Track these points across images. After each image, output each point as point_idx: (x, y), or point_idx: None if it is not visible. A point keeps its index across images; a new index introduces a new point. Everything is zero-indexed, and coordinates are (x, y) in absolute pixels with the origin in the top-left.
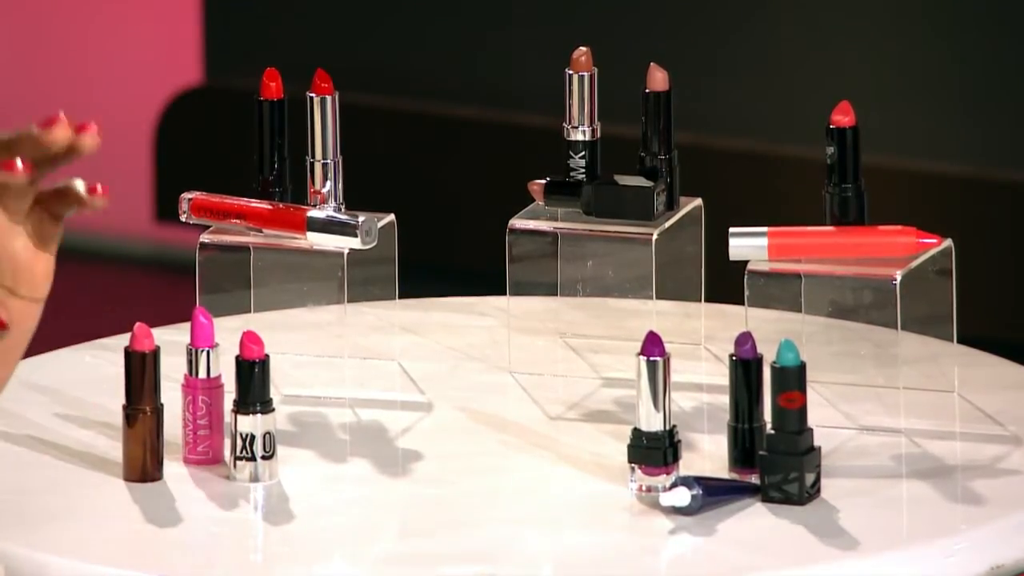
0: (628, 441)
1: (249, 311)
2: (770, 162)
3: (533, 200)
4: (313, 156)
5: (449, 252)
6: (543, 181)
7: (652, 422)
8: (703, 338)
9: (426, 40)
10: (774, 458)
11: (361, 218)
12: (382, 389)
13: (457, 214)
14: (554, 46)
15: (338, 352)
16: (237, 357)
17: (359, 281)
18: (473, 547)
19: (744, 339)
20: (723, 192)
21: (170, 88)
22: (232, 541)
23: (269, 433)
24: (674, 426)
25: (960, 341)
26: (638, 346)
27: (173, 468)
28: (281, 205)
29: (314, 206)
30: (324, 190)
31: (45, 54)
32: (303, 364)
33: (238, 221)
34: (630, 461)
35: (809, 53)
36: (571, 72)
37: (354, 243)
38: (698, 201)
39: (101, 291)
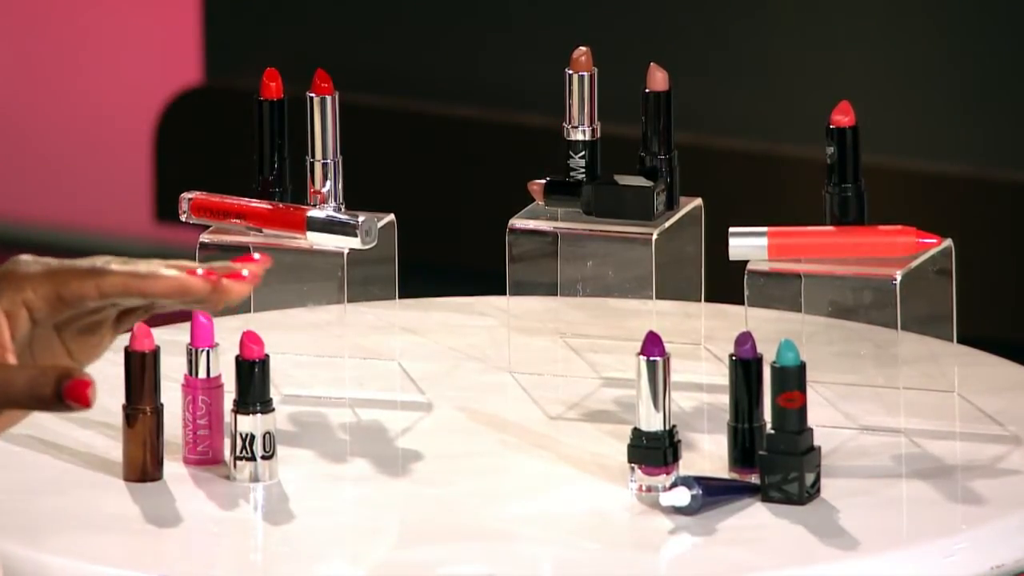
0: (628, 441)
1: (249, 311)
2: (770, 162)
3: (533, 200)
4: (313, 156)
5: (449, 252)
6: (543, 181)
7: (652, 422)
8: (703, 338)
9: (426, 40)
10: (774, 458)
11: (361, 218)
12: (382, 389)
13: (457, 214)
14: (554, 46)
15: (338, 352)
16: (237, 357)
17: (359, 281)
18: (473, 547)
19: (744, 339)
20: (723, 192)
21: (170, 88)
22: (232, 541)
23: (269, 433)
24: (674, 426)
25: (960, 341)
26: (638, 346)
27: (173, 468)
28: (281, 205)
29: (314, 206)
30: (324, 190)
31: (45, 54)
32: (303, 364)
33: (238, 221)
34: (630, 461)
35: (809, 53)
36: (571, 72)
37: (354, 243)
38: (698, 201)
39: None
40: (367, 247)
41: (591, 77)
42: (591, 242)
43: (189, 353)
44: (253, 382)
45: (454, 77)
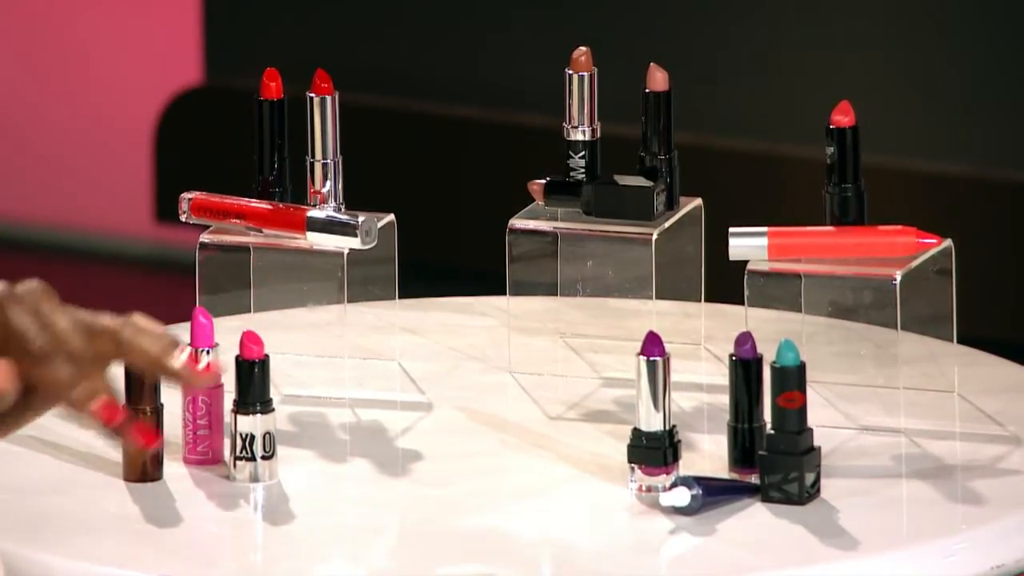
0: (628, 441)
1: (249, 311)
2: (770, 162)
3: (533, 200)
4: (313, 156)
5: (449, 252)
6: (543, 181)
7: (652, 422)
8: (703, 338)
9: (426, 40)
10: (774, 458)
11: (361, 218)
12: (382, 389)
13: (457, 214)
14: (554, 46)
15: (338, 352)
16: (237, 357)
17: (359, 281)
18: (473, 547)
19: (744, 339)
20: (723, 192)
21: (170, 88)
22: (232, 541)
23: (269, 433)
24: (674, 426)
25: (960, 341)
26: (638, 346)
27: (173, 468)
28: (281, 205)
29: (314, 206)
30: (324, 190)
31: (45, 54)
32: (303, 364)
33: (238, 221)
34: (630, 461)
35: (809, 53)
36: (571, 72)
37: (354, 243)
38: (698, 201)
39: (101, 291)
40: (367, 247)
41: (591, 77)
42: (591, 242)
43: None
44: (253, 382)
45: (454, 77)
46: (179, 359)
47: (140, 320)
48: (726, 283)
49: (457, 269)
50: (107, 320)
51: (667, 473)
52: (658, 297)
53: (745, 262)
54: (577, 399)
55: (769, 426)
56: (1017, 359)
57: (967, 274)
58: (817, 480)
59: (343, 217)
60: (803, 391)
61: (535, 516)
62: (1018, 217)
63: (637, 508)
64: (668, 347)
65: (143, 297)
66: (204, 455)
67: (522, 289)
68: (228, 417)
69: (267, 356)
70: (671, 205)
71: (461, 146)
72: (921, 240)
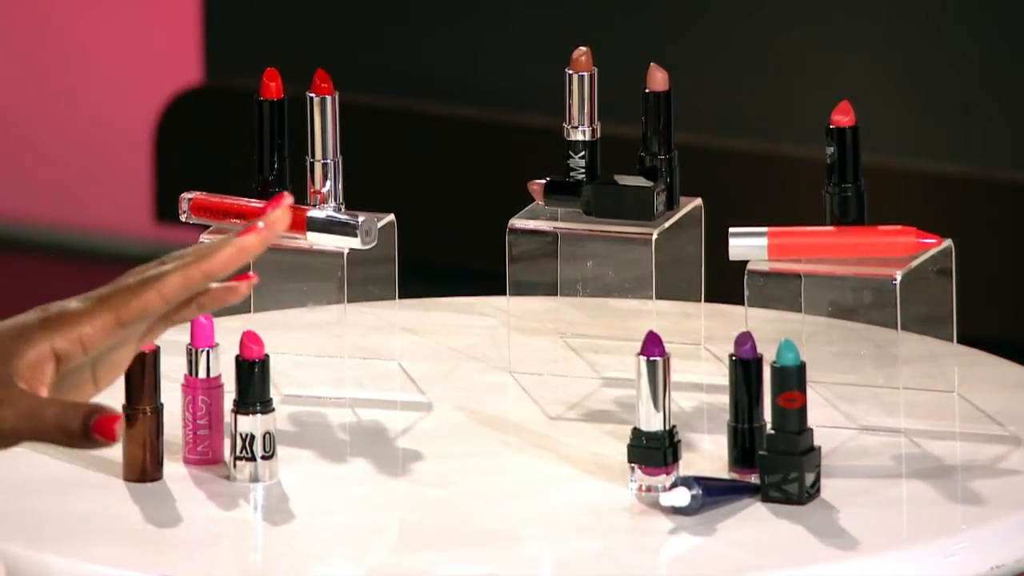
0: (628, 441)
1: (249, 311)
2: (770, 162)
3: (533, 200)
4: (313, 156)
5: (449, 252)
6: (543, 181)
7: (652, 422)
8: (703, 338)
9: (426, 40)
10: (774, 458)
11: (361, 218)
12: (382, 389)
13: (457, 214)
14: (554, 46)
15: (338, 352)
16: (237, 357)
17: (359, 281)
18: (473, 547)
19: (744, 339)
20: (723, 192)
21: (170, 88)
22: (232, 541)
23: (269, 433)
24: (674, 426)
25: (960, 341)
26: (638, 346)
27: (173, 468)
28: None
29: (314, 206)
30: (324, 190)
31: (45, 54)
32: (303, 364)
33: (238, 221)
34: (630, 461)
35: (809, 53)
36: (571, 72)
37: (354, 243)
38: (698, 201)
39: None
40: (367, 247)
41: (591, 77)
42: (591, 242)
43: (189, 353)
44: (253, 382)
45: (454, 77)
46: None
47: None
48: (726, 283)
49: (457, 269)
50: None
51: (667, 473)
52: (658, 297)
53: (745, 262)
54: (577, 399)
55: (769, 426)
56: (1017, 359)
57: (967, 274)
58: (817, 480)
59: (343, 217)
60: (803, 391)
61: (535, 516)
62: (1018, 217)
63: (637, 508)
64: (668, 347)
65: None
66: (204, 455)
67: (522, 289)
68: (228, 417)
69: (267, 356)
70: (671, 205)
71: (461, 146)
72: (921, 240)
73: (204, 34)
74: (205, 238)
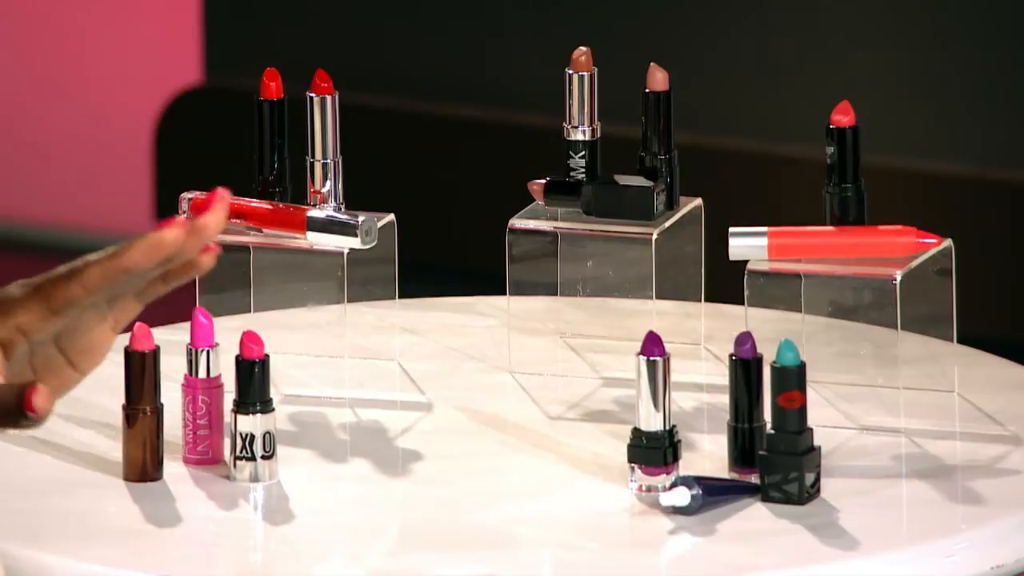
0: (628, 441)
1: (249, 311)
2: (770, 162)
3: (533, 200)
4: (313, 156)
5: (449, 252)
6: (543, 181)
7: (652, 422)
8: (703, 338)
9: (426, 40)
10: (774, 458)
11: (361, 218)
12: (382, 389)
13: (457, 214)
14: (554, 46)
15: (338, 352)
16: (237, 357)
17: (359, 281)
18: (473, 547)
19: (744, 339)
20: (723, 192)
21: (170, 88)
22: (232, 541)
23: (269, 433)
24: (674, 426)
25: (960, 341)
26: (638, 346)
27: (173, 468)
28: (281, 205)
29: (314, 206)
30: (324, 190)
31: (45, 54)
32: (303, 364)
33: (238, 221)
34: (630, 461)
35: (809, 53)
36: (571, 72)
37: (354, 243)
38: (698, 201)
39: None
40: (367, 247)
41: (591, 77)
42: (591, 242)
43: (189, 353)
44: (253, 382)
45: (454, 77)
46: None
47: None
48: (726, 283)
49: (457, 269)
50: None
51: (667, 473)
52: (658, 297)
53: (745, 262)
54: (577, 399)
55: (769, 426)
56: (1017, 359)
57: (967, 274)
58: (817, 480)
59: (343, 217)
60: (803, 391)
61: (535, 516)
62: (1018, 217)
63: (637, 508)
64: (668, 347)
65: None
66: (204, 455)
67: (522, 289)
68: (228, 417)
69: (267, 356)
70: (671, 205)
71: (461, 146)
72: (921, 240)
73: (204, 34)
74: None
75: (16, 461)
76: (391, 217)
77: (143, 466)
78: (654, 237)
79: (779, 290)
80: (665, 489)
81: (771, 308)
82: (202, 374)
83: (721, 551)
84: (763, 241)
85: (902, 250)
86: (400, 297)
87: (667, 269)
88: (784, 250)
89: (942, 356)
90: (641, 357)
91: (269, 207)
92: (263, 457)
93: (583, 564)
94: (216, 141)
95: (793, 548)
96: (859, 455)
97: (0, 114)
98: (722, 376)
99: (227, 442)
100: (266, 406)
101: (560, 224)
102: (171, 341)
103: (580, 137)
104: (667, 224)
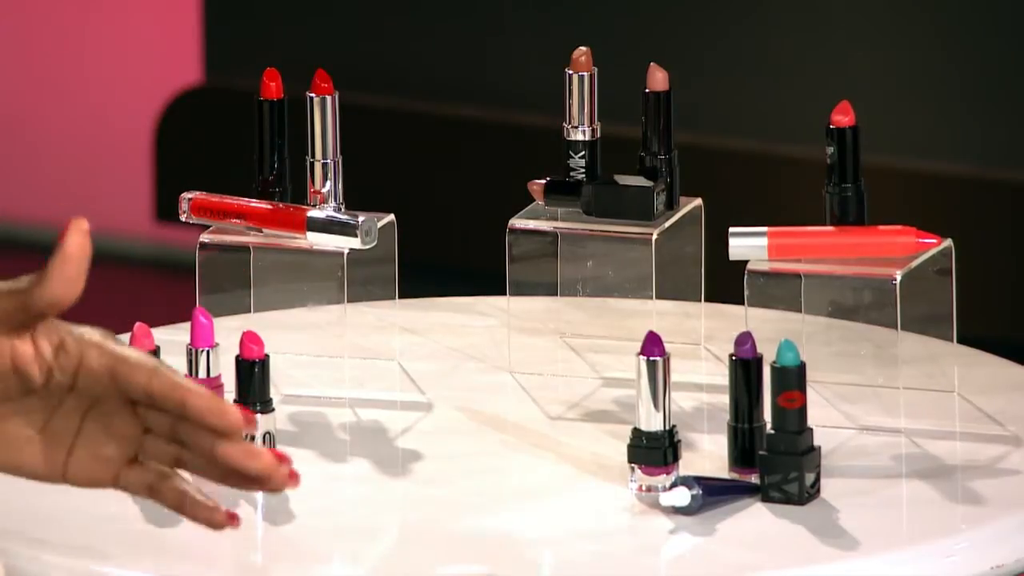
0: (628, 441)
1: (249, 311)
2: (770, 162)
3: (533, 200)
4: (313, 156)
5: (449, 252)
6: (543, 181)
7: (652, 422)
8: (703, 338)
9: (426, 40)
10: (774, 458)
11: (361, 218)
12: (382, 389)
13: (457, 214)
14: (554, 46)
15: (338, 352)
16: (237, 357)
17: (359, 281)
18: (473, 547)
19: (744, 339)
20: (723, 192)
21: (170, 88)
22: (232, 541)
23: (269, 433)
24: (674, 426)
25: (960, 341)
26: (638, 346)
27: None
28: (281, 205)
29: (314, 206)
30: (324, 190)
31: (45, 54)
32: (303, 364)
33: (238, 221)
34: (630, 461)
35: (809, 53)
36: (571, 72)
37: (354, 243)
38: (698, 201)
39: (101, 291)
40: (367, 247)
41: (591, 77)
42: (591, 242)
43: (189, 353)
44: (253, 382)
45: (454, 77)
46: (258, 459)
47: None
48: (726, 283)
49: (457, 269)
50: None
51: (667, 473)
52: (658, 297)
53: (745, 262)
54: (577, 399)
55: (769, 426)
56: (1017, 359)
57: (967, 274)
58: (817, 480)
59: (343, 217)
60: (803, 391)
61: (535, 516)
62: (1018, 217)
63: (637, 508)
64: (668, 347)
65: (143, 297)
66: None
67: (522, 289)
68: None
69: (267, 356)
70: (671, 205)
71: (461, 146)
72: (921, 240)
73: (204, 34)
74: (205, 238)
75: None
76: (391, 217)
77: None
78: (654, 237)
79: (779, 290)
80: (665, 489)
81: (771, 308)
82: (202, 374)
83: (721, 551)
84: (763, 241)
85: (902, 250)
86: (400, 297)
87: (667, 269)
88: (784, 250)
89: (942, 356)
90: (641, 357)
91: (269, 207)
92: None
93: (583, 564)
94: (216, 141)
95: (793, 548)
96: (859, 455)
97: (0, 114)
98: (722, 376)
99: None
100: (266, 406)
101: (560, 224)
102: (171, 341)
103: (580, 137)
104: (667, 224)
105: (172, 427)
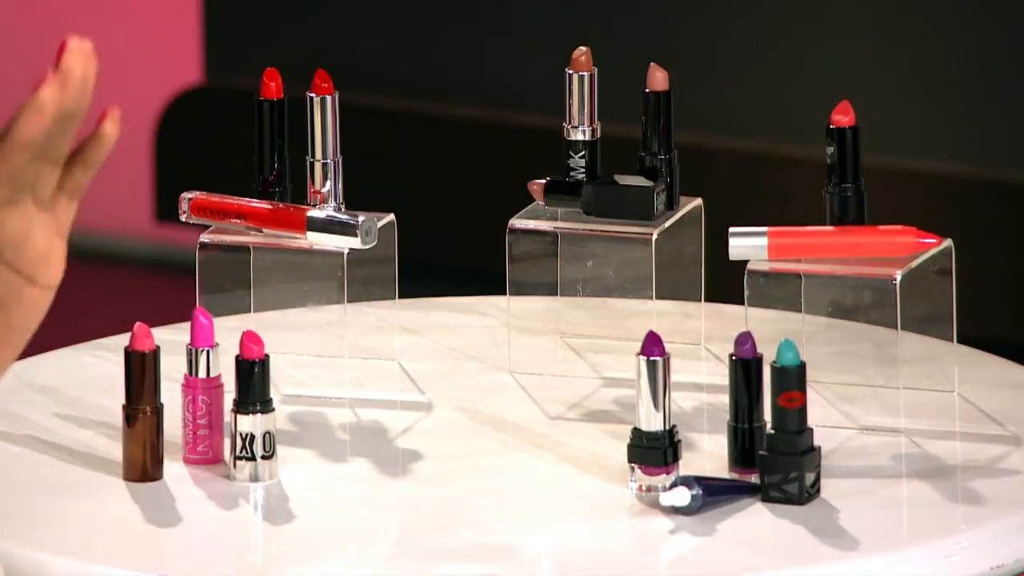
0: (628, 441)
1: (249, 311)
2: (770, 162)
3: (533, 200)
4: (313, 156)
5: (449, 252)
6: (543, 181)
7: (652, 422)
8: (703, 338)
9: (426, 40)
10: (774, 458)
11: (361, 218)
12: (382, 389)
13: (457, 214)
14: (554, 46)
15: (338, 352)
16: (237, 357)
17: (359, 281)
18: (473, 547)
19: (744, 339)
20: (723, 192)
21: (170, 88)
22: (232, 541)
23: (269, 433)
24: (674, 426)
25: (960, 341)
26: (638, 346)
27: (173, 468)
28: (281, 205)
29: (314, 206)
30: (324, 190)
31: (45, 54)
32: (303, 364)
33: (238, 221)
34: (630, 461)
35: (809, 53)
36: (571, 72)
37: (354, 243)
38: (698, 201)
39: (101, 291)
40: (367, 247)
41: (591, 77)
42: (591, 242)
43: (189, 353)
44: (253, 382)
45: (454, 77)
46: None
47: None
48: (726, 283)
49: (457, 269)
50: None
51: (667, 473)
52: (658, 297)
53: (745, 262)
54: (577, 399)
55: (769, 426)
56: (1017, 359)
57: (967, 274)
58: (817, 480)
59: (343, 217)
60: (803, 391)
61: (535, 516)
62: (1018, 217)
63: (637, 508)
64: (668, 347)
65: (143, 297)
66: (204, 455)
67: (522, 289)
68: (228, 417)
69: (267, 356)
70: (671, 205)
71: (461, 146)
72: (921, 240)
73: (204, 34)
74: (205, 238)
75: (16, 461)
76: (391, 217)
77: (143, 466)
78: (654, 237)
79: (779, 290)
80: (665, 489)
81: (771, 308)
82: (202, 374)
83: (721, 551)
84: (763, 241)
85: (902, 250)
86: (400, 297)
87: (667, 269)
88: (784, 250)
89: (942, 356)
90: (641, 357)
91: (269, 207)
92: (263, 457)
93: (583, 564)
94: (216, 141)
95: (793, 548)
96: (859, 455)
97: (0, 114)
98: (722, 376)
99: (227, 442)
100: (266, 406)
101: (560, 224)
102: (171, 341)
103: (580, 137)
104: (667, 224)
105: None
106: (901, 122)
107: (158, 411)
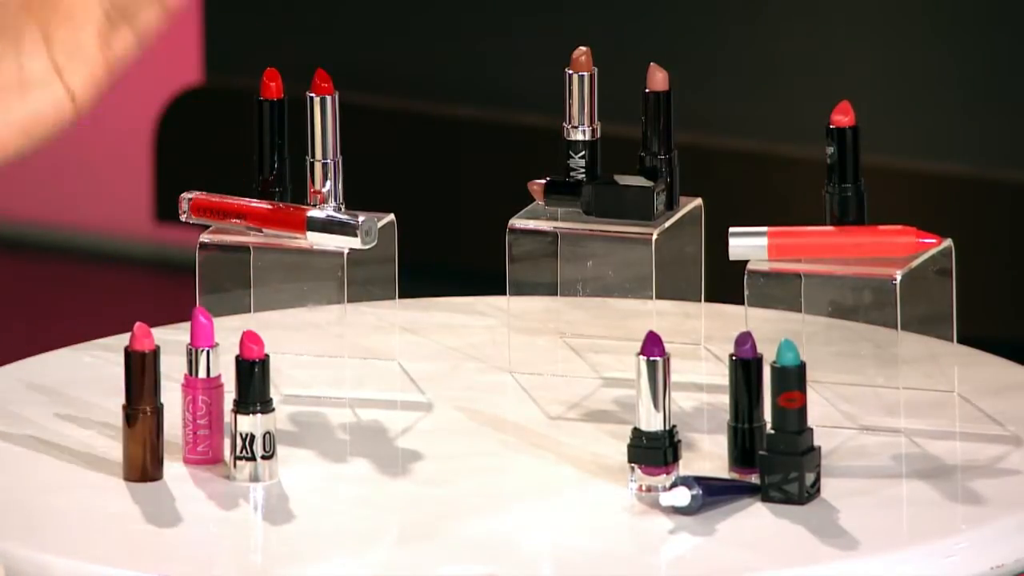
0: (628, 441)
1: (249, 311)
2: (770, 162)
3: (533, 200)
4: (313, 156)
5: (449, 252)
6: (543, 181)
7: (652, 422)
8: (703, 338)
9: (426, 40)
10: (774, 458)
11: (361, 218)
12: (382, 389)
13: (457, 214)
14: (554, 46)
15: (338, 352)
16: (237, 357)
17: (359, 281)
18: (473, 547)
19: (744, 339)
20: (723, 192)
21: (170, 88)
22: (232, 541)
23: (269, 433)
24: (674, 426)
25: (960, 341)
26: (638, 346)
27: (173, 468)
28: (281, 205)
29: (314, 206)
30: (324, 190)
31: None
32: (303, 364)
33: (238, 221)
34: (630, 461)
35: (809, 53)
36: (571, 72)
37: (354, 243)
38: (698, 201)
39: (101, 291)
40: (367, 247)
41: (591, 77)
42: (591, 242)
43: (189, 353)
44: (253, 382)
45: (454, 77)
46: None
47: None
48: (726, 283)
49: (457, 269)
50: None
51: (667, 473)
52: (658, 297)
53: (745, 262)
54: (577, 399)
55: (769, 426)
56: (1017, 359)
57: (967, 274)
58: (817, 480)
59: (343, 217)
60: (803, 391)
61: (535, 516)
62: (1018, 217)
63: (637, 508)
64: (668, 347)
65: (143, 297)
66: (204, 455)
67: (522, 289)
68: (228, 417)
69: (267, 356)
70: (671, 205)
71: (461, 146)
72: (921, 240)
73: (204, 34)
74: (205, 238)
75: (16, 461)
76: (391, 217)
77: (143, 466)
78: (654, 237)
79: (779, 290)
80: (665, 489)
81: (771, 308)
82: (202, 374)
83: (721, 551)
84: (763, 241)
85: (902, 250)
86: (400, 297)
87: (667, 269)
88: (784, 250)
89: (942, 356)
90: (641, 357)
91: (269, 207)
92: (263, 457)
93: (583, 564)
94: (216, 141)
95: (793, 548)
96: (859, 455)
97: None
98: (722, 376)
99: (227, 442)
100: (266, 406)
101: (560, 224)
102: (171, 341)
103: (580, 137)
104: (667, 224)
105: None
106: (901, 122)
107: (158, 411)
